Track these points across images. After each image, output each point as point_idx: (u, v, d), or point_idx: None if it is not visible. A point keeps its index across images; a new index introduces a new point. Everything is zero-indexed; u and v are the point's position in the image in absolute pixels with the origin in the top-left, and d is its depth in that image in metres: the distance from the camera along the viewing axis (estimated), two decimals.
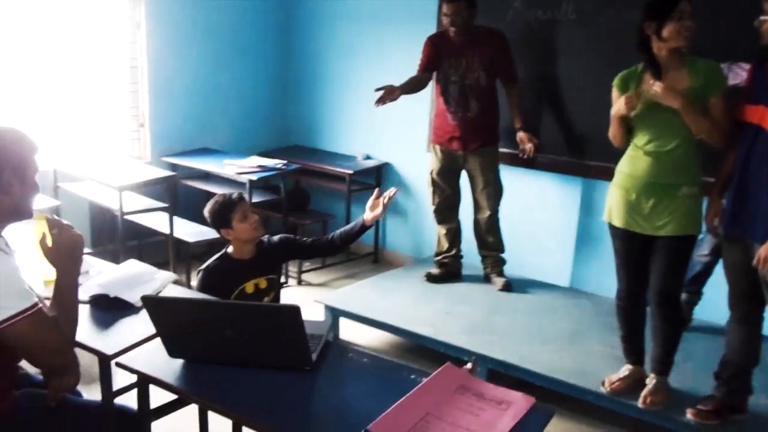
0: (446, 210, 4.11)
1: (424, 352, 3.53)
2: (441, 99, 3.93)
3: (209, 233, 4.09)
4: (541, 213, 4.32)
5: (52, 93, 4.28)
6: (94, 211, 4.28)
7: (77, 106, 4.45)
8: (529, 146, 3.87)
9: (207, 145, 5.06)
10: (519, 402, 1.70)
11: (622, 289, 2.83)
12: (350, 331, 3.78)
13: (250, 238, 2.66)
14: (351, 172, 4.75)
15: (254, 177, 4.33)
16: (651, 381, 2.78)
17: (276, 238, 2.83)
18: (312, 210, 5.16)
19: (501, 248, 4.10)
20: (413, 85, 3.84)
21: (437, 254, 4.19)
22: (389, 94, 3.63)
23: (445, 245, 4.15)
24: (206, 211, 2.68)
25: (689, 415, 2.62)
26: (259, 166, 4.48)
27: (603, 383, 2.87)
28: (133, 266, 2.37)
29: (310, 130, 5.48)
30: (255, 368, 1.79)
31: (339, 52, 5.16)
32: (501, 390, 1.77)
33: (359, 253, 5.12)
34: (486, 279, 4.12)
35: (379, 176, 5.02)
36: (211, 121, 5.13)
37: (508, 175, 4.12)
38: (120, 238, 3.80)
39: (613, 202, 2.75)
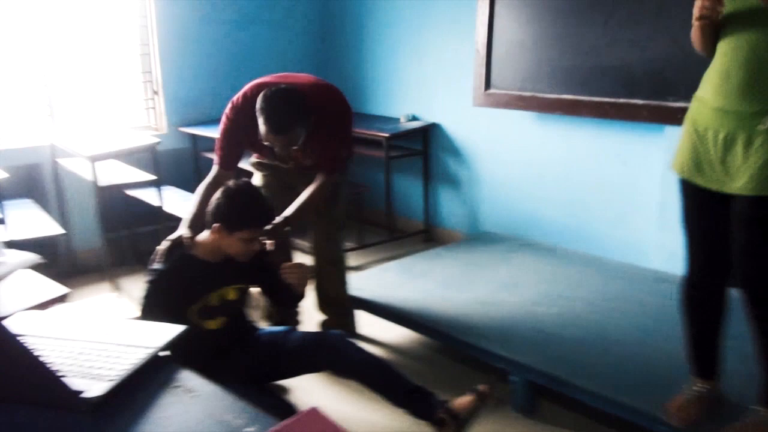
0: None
1: (458, 352, 2.69)
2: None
3: None
4: (612, 171, 3.32)
5: (55, 61, 3.79)
6: (101, 190, 3.75)
7: (85, 75, 3.96)
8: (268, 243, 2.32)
9: None
10: None
11: (691, 271, 1.89)
12: (370, 325, 2.99)
13: (234, 255, 2.07)
14: (387, 135, 3.93)
15: None
16: (753, 412, 1.81)
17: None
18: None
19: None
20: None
21: None
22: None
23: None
24: (218, 199, 2.05)
25: None
26: None
27: (665, 409, 1.93)
28: None
29: (353, 92, 4.69)
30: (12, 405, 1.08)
31: (382, 2, 4.36)
32: None
33: (407, 231, 4.31)
34: None
35: (426, 139, 4.18)
36: (238, 85, 4.48)
37: (572, 125, 3.15)
38: (98, 214, 3.25)
39: (682, 144, 1.82)
